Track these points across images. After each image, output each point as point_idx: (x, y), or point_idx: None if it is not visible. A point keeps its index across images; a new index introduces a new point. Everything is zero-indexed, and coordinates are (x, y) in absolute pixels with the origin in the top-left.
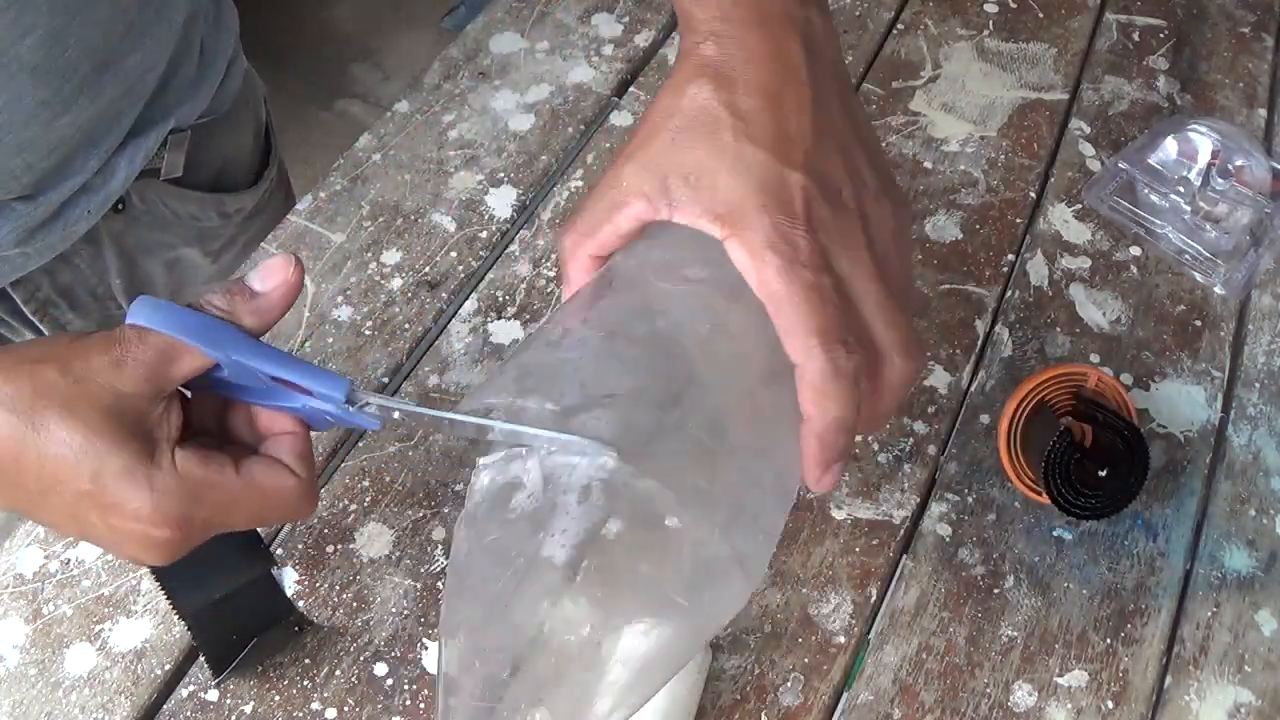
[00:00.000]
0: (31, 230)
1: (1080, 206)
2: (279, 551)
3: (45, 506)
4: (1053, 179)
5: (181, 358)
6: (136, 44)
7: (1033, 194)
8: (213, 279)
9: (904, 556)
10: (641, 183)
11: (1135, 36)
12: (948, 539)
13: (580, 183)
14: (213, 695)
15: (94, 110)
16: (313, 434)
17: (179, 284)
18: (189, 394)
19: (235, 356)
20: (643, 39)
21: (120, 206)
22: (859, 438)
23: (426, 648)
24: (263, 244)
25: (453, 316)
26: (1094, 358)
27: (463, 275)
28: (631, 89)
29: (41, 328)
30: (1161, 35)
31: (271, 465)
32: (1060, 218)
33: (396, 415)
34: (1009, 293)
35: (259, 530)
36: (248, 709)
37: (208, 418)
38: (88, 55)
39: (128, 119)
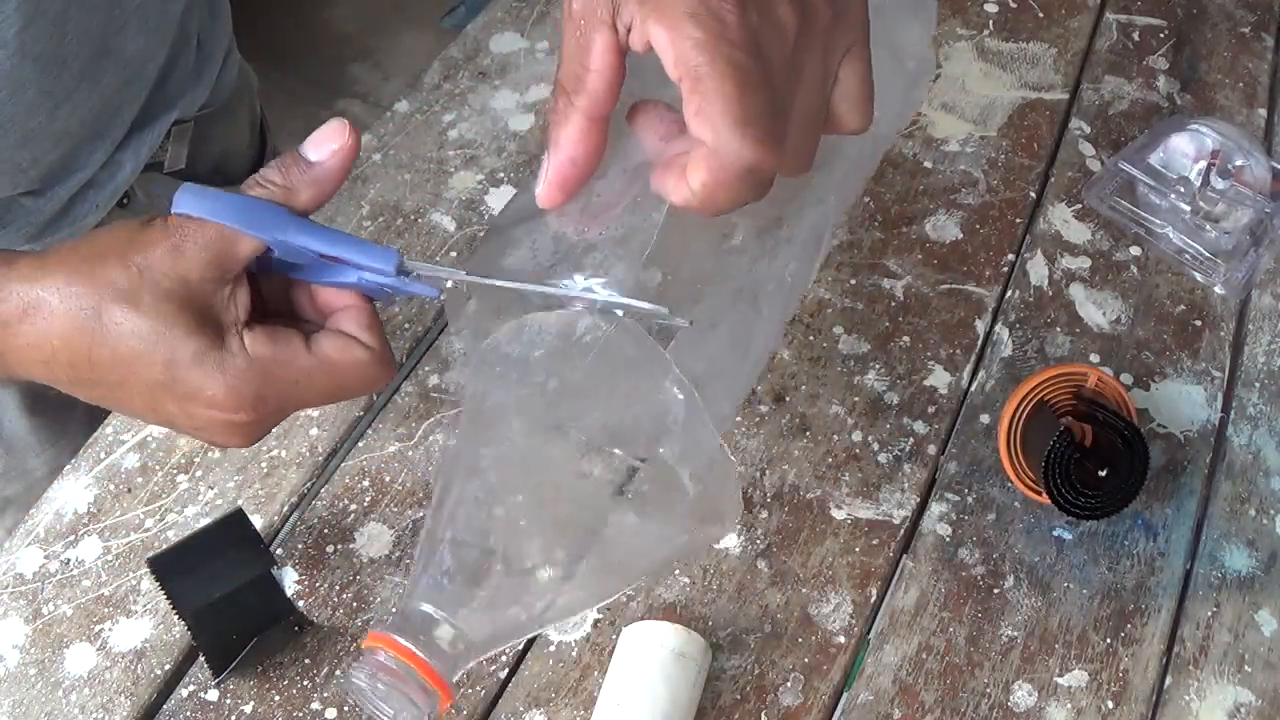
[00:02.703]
0: (40, 227)
1: (1080, 206)
2: (279, 551)
3: (123, 397)
4: (1053, 179)
5: (240, 241)
6: (134, 32)
7: (1033, 194)
8: None
9: (904, 556)
10: (591, 10)
11: (1135, 36)
12: (948, 539)
13: None
14: (213, 695)
15: (95, 100)
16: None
17: None
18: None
19: (282, 238)
20: None
21: (125, 201)
22: (859, 435)
23: None
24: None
25: None
26: (1094, 358)
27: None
28: None
29: None
30: (1161, 35)
31: (341, 339)
32: (1060, 218)
33: (449, 284)
34: (1009, 293)
35: (259, 530)
36: (248, 709)
37: (273, 298)
38: (87, 42)
39: (130, 110)
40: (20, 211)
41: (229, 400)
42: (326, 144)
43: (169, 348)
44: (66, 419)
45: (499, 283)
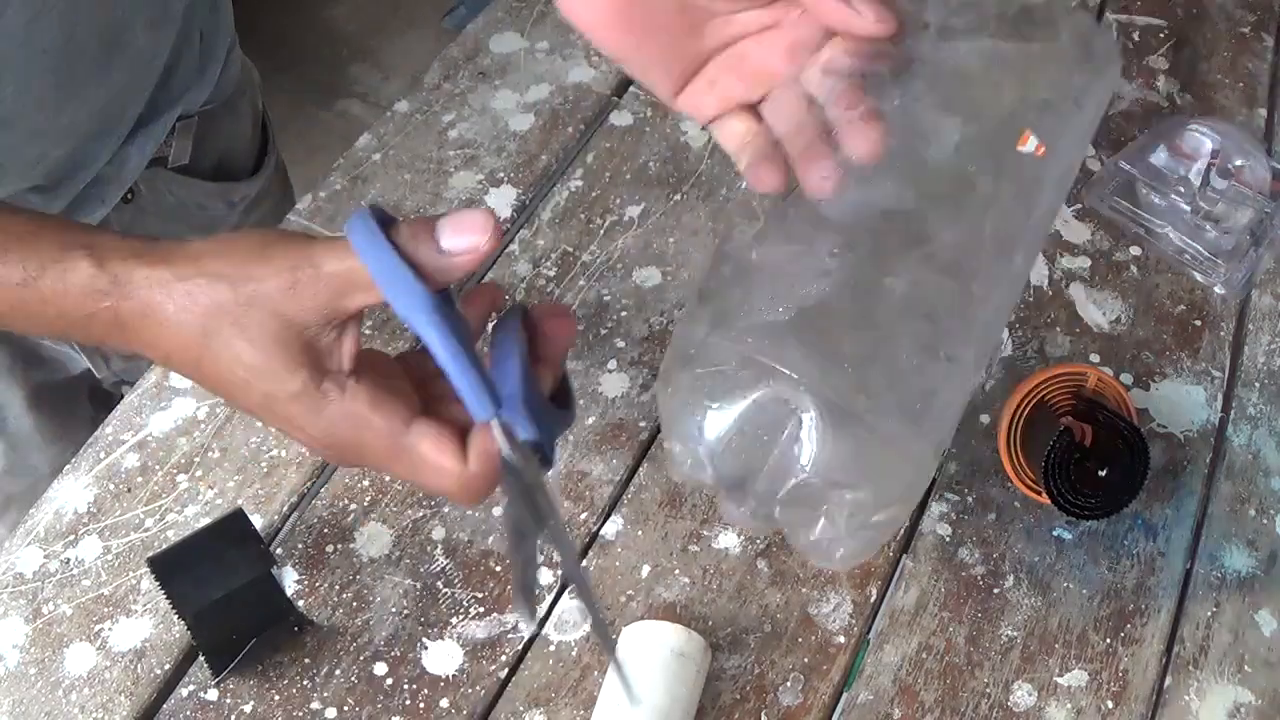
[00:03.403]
0: None
1: (1080, 206)
2: (279, 551)
3: (230, 400)
4: None
5: (359, 292)
6: (140, 26)
7: None
8: None
9: (904, 556)
10: None
11: (1135, 36)
12: (948, 539)
13: (580, 182)
14: (213, 695)
15: (102, 95)
16: None
17: None
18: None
19: (405, 317)
20: None
21: (129, 197)
22: None
23: (426, 647)
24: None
25: None
26: (1094, 358)
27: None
28: (631, 89)
29: None
30: (1161, 35)
31: (443, 440)
32: (1060, 218)
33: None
34: None
35: (259, 530)
36: (248, 709)
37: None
38: (95, 37)
39: (136, 106)
40: (29, 207)
41: (316, 440)
42: (463, 236)
43: (268, 382)
44: (71, 416)
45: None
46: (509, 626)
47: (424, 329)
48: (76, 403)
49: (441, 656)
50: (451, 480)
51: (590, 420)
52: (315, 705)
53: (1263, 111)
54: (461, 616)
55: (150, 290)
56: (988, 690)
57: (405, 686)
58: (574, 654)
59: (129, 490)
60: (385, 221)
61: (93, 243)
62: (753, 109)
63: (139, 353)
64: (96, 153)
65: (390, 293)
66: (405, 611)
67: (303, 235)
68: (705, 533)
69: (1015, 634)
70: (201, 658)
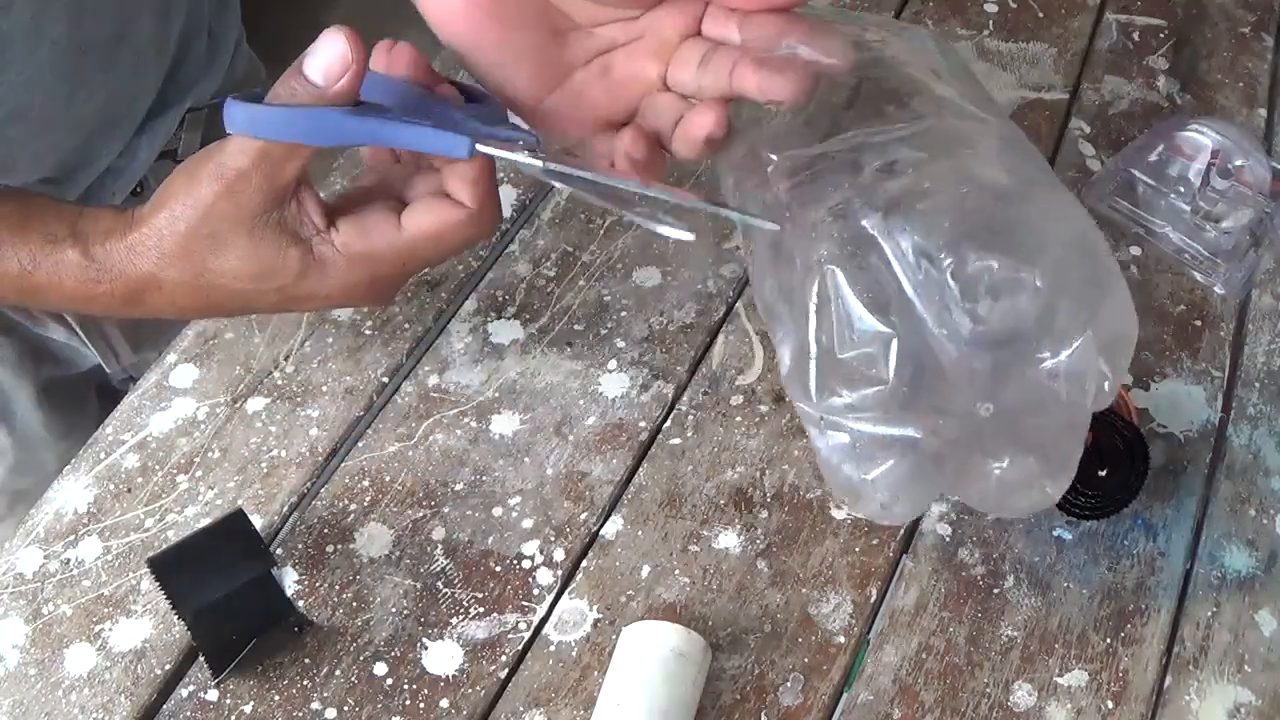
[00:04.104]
0: None
1: None
2: (279, 551)
3: (260, 310)
4: None
5: (285, 161)
6: (148, 17)
7: None
8: None
9: (904, 556)
10: None
11: (1135, 36)
12: (948, 539)
13: None
14: (213, 695)
15: (111, 86)
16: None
17: None
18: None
19: (343, 141)
20: None
21: (139, 190)
22: None
23: (426, 648)
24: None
25: (453, 316)
26: None
27: (462, 275)
28: None
29: (66, 316)
30: (1161, 35)
31: (435, 205)
32: None
33: (521, 164)
34: None
35: (259, 530)
36: (248, 709)
37: (405, 154)
38: (102, 28)
39: (145, 98)
40: None
41: (345, 293)
42: (331, 69)
43: (273, 278)
44: (79, 413)
45: (577, 171)
46: (509, 626)
47: (360, 139)
48: (85, 399)
49: (441, 656)
50: (466, 227)
51: (590, 420)
52: (315, 705)
53: (1263, 111)
54: (461, 616)
55: (133, 263)
56: (988, 690)
57: (405, 687)
58: (574, 654)
59: (129, 490)
60: (257, 98)
61: (76, 229)
62: (618, 127)
63: (158, 316)
64: (107, 144)
65: (309, 139)
66: (405, 611)
67: (214, 145)
68: (705, 533)
69: (1015, 634)
70: (201, 658)
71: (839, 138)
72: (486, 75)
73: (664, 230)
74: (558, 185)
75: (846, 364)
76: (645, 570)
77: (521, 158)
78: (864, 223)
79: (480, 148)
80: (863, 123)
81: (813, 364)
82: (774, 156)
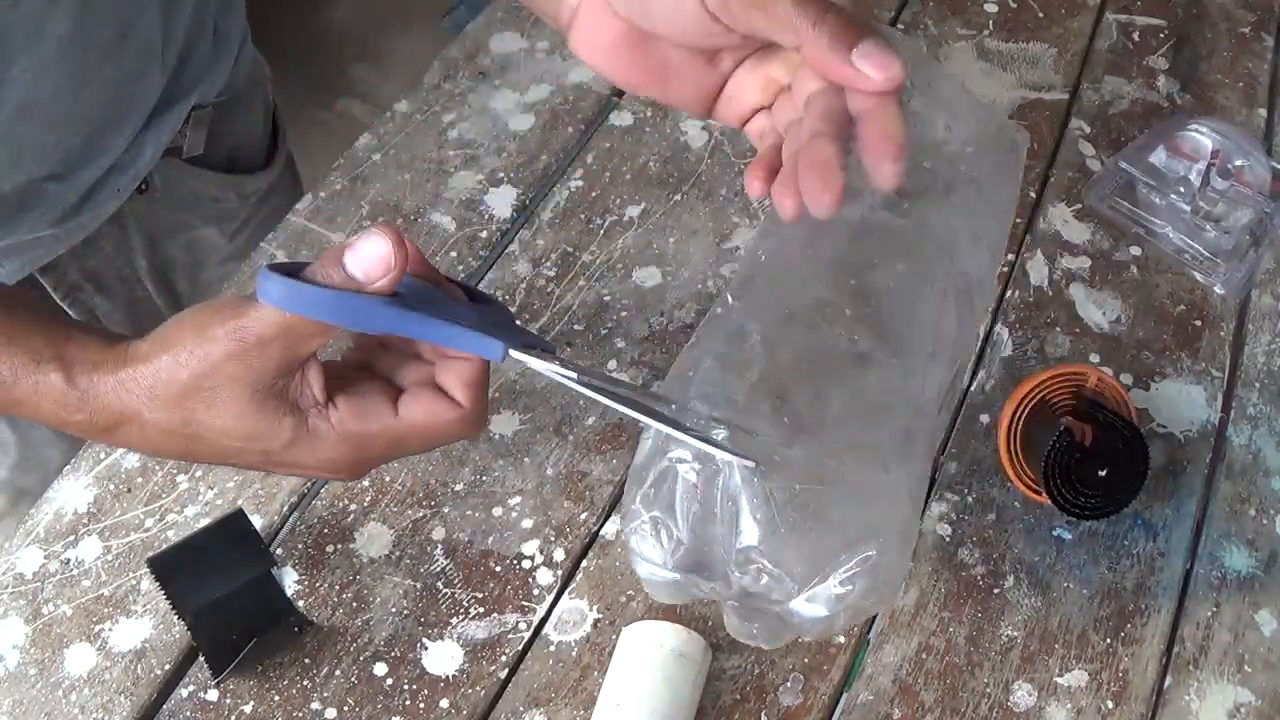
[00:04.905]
0: (64, 211)
1: (1080, 206)
2: (279, 551)
3: (232, 464)
4: (1053, 179)
5: (309, 338)
6: (153, 13)
7: (1033, 194)
8: (228, 259)
9: None
10: None
11: (1135, 36)
12: (948, 539)
13: (580, 182)
14: (213, 695)
15: (116, 82)
16: None
17: (198, 264)
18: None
19: (376, 329)
20: None
21: (144, 187)
22: None
23: (426, 648)
24: (262, 243)
25: None
26: (1094, 358)
27: (463, 275)
28: None
29: (70, 313)
30: (1161, 35)
31: (431, 400)
32: (1060, 218)
33: (558, 379)
34: (1009, 292)
35: (259, 530)
36: (248, 709)
37: (392, 340)
38: (109, 23)
39: (151, 94)
40: (44, 196)
41: (327, 467)
42: (374, 266)
43: (262, 441)
44: None
45: (601, 399)
46: (509, 626)
47: (394, 328)
48: None
49: (441, 657)
50: (458, 426)
51: (590, 420)
52: (315, 705)
53: (1263, 111)
54: (461, 616)
55: (119, 397)
56: (988, 690)
57: (405, 687)
58: (574, 654)
59: (129, 490)
60: (293, 270)
61: (61, 354)
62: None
63: (127, 448)
64: (112, 141)
65: (342, 323)
66: (405, 611)
67: (236, 302)
68: None
69: (1015, 634)
70: (201, 658)
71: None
72: (668, 104)
73: (721, 454)
74: (588, 394)
75: (656, 519)
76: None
77: (554, 368)
78: (736, 473)
79: (514, 354)
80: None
81: (638, 500)
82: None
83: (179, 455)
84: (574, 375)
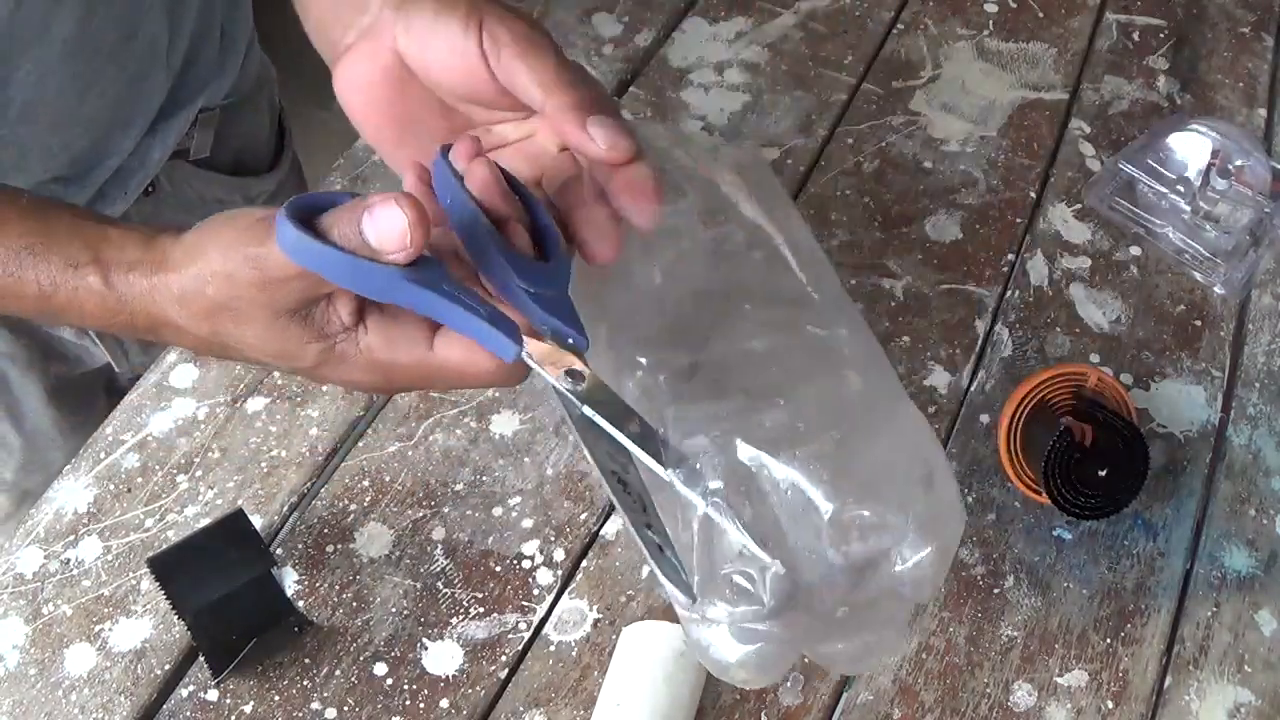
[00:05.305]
0: None
1: (1080, 206)
2: (279, 551)
3: (279, 370)
4: (1053, 179)
5: (322, 285)
6: (158, 15)
7: (1033, 194)
8: None
9: None
10: None
11: (1135, 36)
12: None
13: None
14: (213, 695)
15: (122, 84)
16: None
17: None
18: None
19: (383, 299)
20: (643, 38)
21: (150, 190)
22: None
23: (426, 648)
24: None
25: None
26: (1094, 358)
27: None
28: (632, 89)
29: None
30: (1161, 35)
31: (469, 345)
32: (1060, 218)
33: (560, 391)
34: (1009, 292)
35: (259, 530)
36: (248, 709)
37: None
38: (114, 25)
39: (157, 97)
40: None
41: (357, 384)
42: (389, 238)
43: (289, 361)
44: (88, 411)
45: (585, 451)
46: (509, 626)
47: (407, 302)
48: (94, 398)
49: (441, 657)
50: (492, 375)
51: None
52: (315, 705)
53: (1263, 111)
54: (461, 616)
55: (153, 304)
56: (988, 690)
57: (405, 687)
58: (574, 654)
59: (129, 490)
60: (315, 210)
61: (98, 256)
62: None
63: (177, 346)
64: (118, 143)
65: (353, 287)
66: (405, 611)
67: (261, 228)
68: None
69: (1015, 634)
70: (201, 658)
71: (707, 349)
72: (395, 164)
73: (669, 591)
74: (577, 435)
75: (726, 580)
76: (645, 570)
77: (563, 387)
78: (744, 459)
79: (527, 359)
80: (724, 328)
81: (695, 578)
82: (643, 360)
83: (212, 356)
84: (577, 402)
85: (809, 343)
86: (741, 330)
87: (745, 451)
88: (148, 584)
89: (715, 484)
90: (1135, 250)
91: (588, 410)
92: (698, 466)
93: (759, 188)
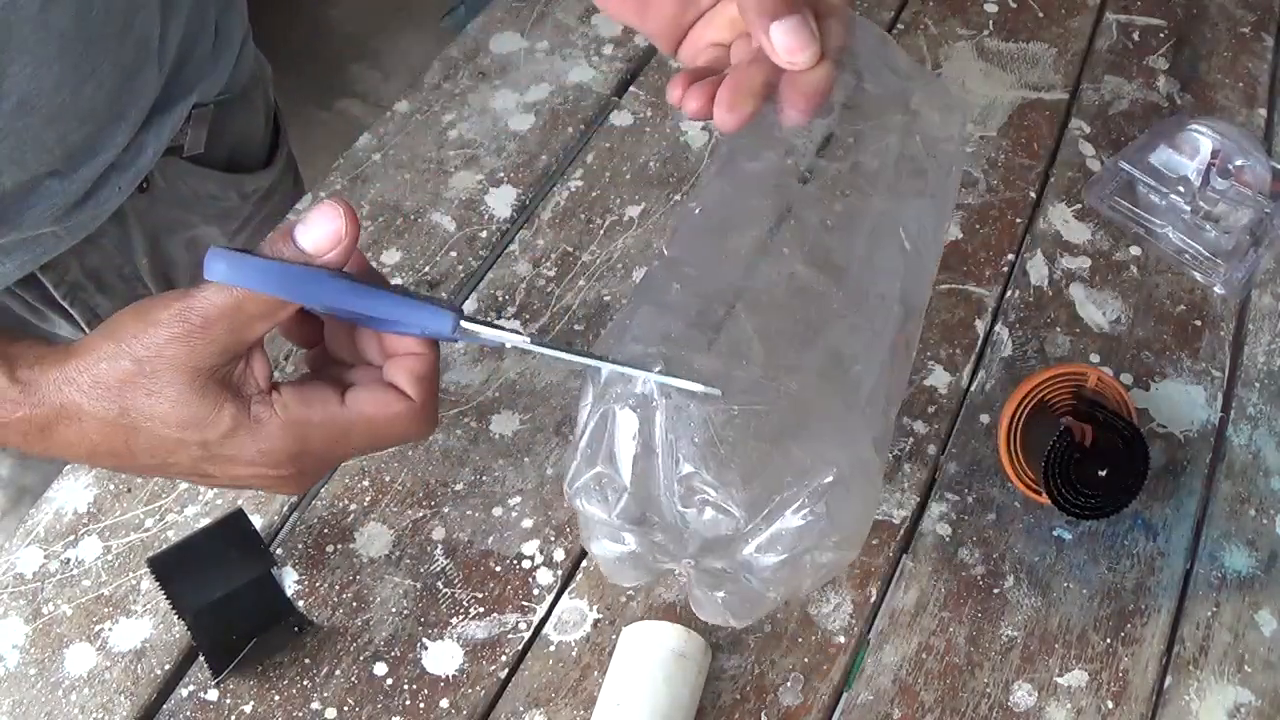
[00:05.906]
0: (66, 208)
1: (1080, 206)
2: (279, 551)
3: (170, 472)
4: (1053, 179)
5: (256, 320)
6: (153, 9)
7: (1033, 194)
8: None
9: (904, 556)
10: None
11: (1135, 36)
12: (948, 539)
13: (580, 182)
14: (213, 695)
15: (118, 78)
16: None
17: (199, 262)
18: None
19: (328, 304)
20: (643, 39)
21: (145, 185)
22: None
23: (426, 648)
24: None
25: None
26: (1094, 358)
27: (462, 275)
28: (631, 89)
29: (72, 312)
30: (1161, 35)
31: (381, 392)
32: (1060, 218)
33: (509, 345)
34: (1009, 292)
35: (259, 530)
36: (248, 709)
37: (336, 340)
38: (110, 19)
39: (151, 91)
40: (46, 193)
41: (267, 461)
42: (322, 238)
43: (200, 429)
44: None
45: (556, 353)
46: (509, 626)
47: (347, 296)
48: None
49: (441, 656)
50: (406, 420)
51: None
52: (315, 705)
53: (1263, 111)
54: (461, 616)
55: (60, 390)
56: (988, 690)
57: (405, 687)
58: (574, 654)
59: (129, 490)
60: (243, 252)
61: (6, 351)
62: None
63: (59, 457)
64: (113, 138)
65: (289, 295)
66: (405, 611)
67: (182, 289)
68: None
69: (1015, 634)
70: (201, 658)
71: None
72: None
73: (691, 387)
74: (544, 352)
75: (596, 477)
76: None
77: (506, 335)
78: (678, 386)
79: (465, 324)
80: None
81: (577, 457)
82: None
83: (112, 453)
84: (527, 339)
85: (840, 330)
86: (770, 293)
87: (682, 383)
88: (148, 584)
89: (642, 390)
90: (1135, 250)
91: (536, 346)
92: (637, 375)
93: (940, 144)
